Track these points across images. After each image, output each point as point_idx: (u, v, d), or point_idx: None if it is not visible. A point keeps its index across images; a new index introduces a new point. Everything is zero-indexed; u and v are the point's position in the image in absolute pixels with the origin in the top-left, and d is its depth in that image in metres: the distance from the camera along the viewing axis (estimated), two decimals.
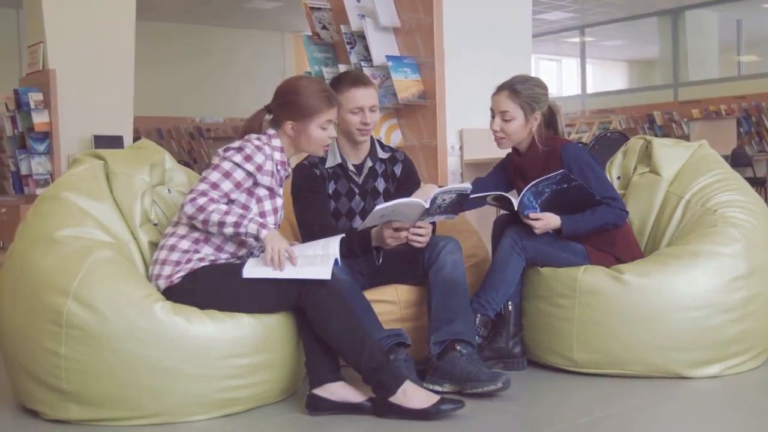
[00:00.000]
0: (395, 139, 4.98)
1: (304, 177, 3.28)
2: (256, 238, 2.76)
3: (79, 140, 7.27)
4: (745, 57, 16.74)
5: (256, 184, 2.88)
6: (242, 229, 2.75)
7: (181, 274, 2.80)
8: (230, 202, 2.84)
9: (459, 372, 2.90)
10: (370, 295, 3.17)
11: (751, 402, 2.90)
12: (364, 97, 3.22)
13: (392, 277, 3.28)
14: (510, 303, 3.27)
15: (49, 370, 2.66)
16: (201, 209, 2.75)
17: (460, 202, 3.12)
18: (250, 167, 2.84)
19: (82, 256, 2.75)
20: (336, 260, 2.77)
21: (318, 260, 2.77)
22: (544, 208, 3.21)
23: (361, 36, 4.96)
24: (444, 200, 3.02)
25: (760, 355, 3.21)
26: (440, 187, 3.10)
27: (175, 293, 2.78)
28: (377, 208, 2.92)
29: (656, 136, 12.78)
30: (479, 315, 3.20)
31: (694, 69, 15.70)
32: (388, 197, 3.30)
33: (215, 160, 2.87)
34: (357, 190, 3.32)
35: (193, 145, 14.68)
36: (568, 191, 3.17)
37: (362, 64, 4.91)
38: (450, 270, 3.10)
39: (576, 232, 3.23)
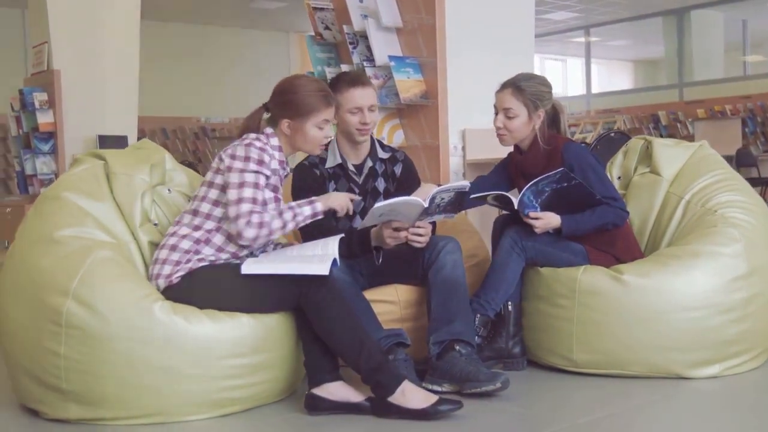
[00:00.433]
0: (398, 139, 4.97)
1: (304, 177, 3.29)
2: (316, 214, 2.86)
3: (84, 140, 7.25)
4: (750, 57, 16.70)
5: (267, 184, 2.89)
6: (300, 218, 2.84)
7: (181, 273, 2.81)
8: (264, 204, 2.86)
9: (458, 372, 2.90)
10: (369, 295, 3.17)
11: (751, 402, 2.90)
12: (362, 97, 3.23)
13: (392, 277, 3.28)
14: (510, 303, 3.27)
15: (48, 369, 2.67)
16: (261, 225, 2.76)
17: (460, 201, 3.12)
18: (267, 171, 2.86)
19: (82, 256, 2.76)
20: (335, 260, 2.77)
21: (317, 260, 2.77)
22: (545, 208, 3.20)
23: (364, 36, 4.96)
24: (443, 199, 3.02)
25: (760, 355, 3.20)
26: (439, 186, 3.10)
27: (174, 293, 2.78)
28: (376, 206, 2.92)
29: (661, 136, 12.86)
30: (479, 315, 3.20)
31: (699, 69, 15.67)
32: (388, 197, 3.29)
33: (231, 172, 2.82)
34: (357, 190, 3.32)
35: (198, 145, 14.67)
36: (568, 190, 3.16)
37: (365, 64, 4.92)
38: (450, 270, 3.10)
39: (576, 232, 3.23)
